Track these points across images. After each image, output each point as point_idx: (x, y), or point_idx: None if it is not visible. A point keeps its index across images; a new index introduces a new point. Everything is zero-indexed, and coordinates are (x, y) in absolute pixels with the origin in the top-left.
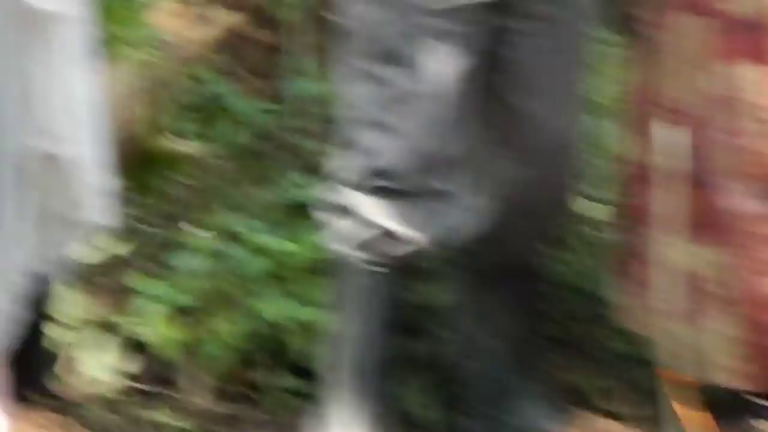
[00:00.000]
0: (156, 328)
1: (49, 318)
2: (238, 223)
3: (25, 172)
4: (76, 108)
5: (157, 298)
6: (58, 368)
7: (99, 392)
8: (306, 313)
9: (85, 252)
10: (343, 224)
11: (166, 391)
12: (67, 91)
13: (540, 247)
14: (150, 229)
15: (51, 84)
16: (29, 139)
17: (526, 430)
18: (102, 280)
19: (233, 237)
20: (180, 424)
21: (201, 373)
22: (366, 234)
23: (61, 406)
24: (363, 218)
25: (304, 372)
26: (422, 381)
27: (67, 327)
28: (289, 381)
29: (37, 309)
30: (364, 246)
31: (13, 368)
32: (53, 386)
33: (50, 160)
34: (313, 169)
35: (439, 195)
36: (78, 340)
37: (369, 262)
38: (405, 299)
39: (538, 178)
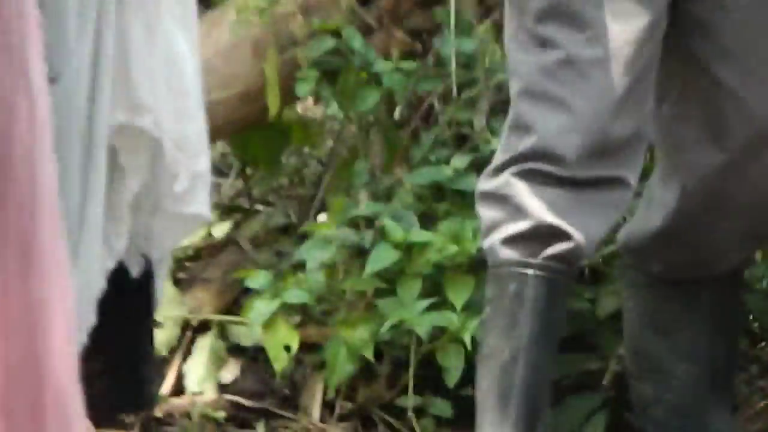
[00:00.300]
0: (267, 331)
1: (145, 324)
2: (369, 206)
3: (119, 155)
4: (182, 78)
5: (270, 296)
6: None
7: (198, 408)
8: (448, 320)
9: (188, 241)
10: (494, 214)
11: (274, 408)
12: (171, 56)
13: (743, 252)
14: (264, 211)
15: (152, 48)
16: (126, 116)
17: None
18: (206, 273)
19: (364, 224)
20: None
21: (317, 386)
22: (521, 227)
23: (154, 425)
24: (518, 208)
25: (443, 389)
26: (586, 406)
27: (163, 330)
28: (425, 400)
29: (132, 313)
30: (517, 242)
31: (101, 382)
32: (147, 402)
33: (150, 141)
34: (463, 145)
35: (612, 183)
36: (175, 346)
37: (523, 263)
38: (566, 308)
39: (741, 168)
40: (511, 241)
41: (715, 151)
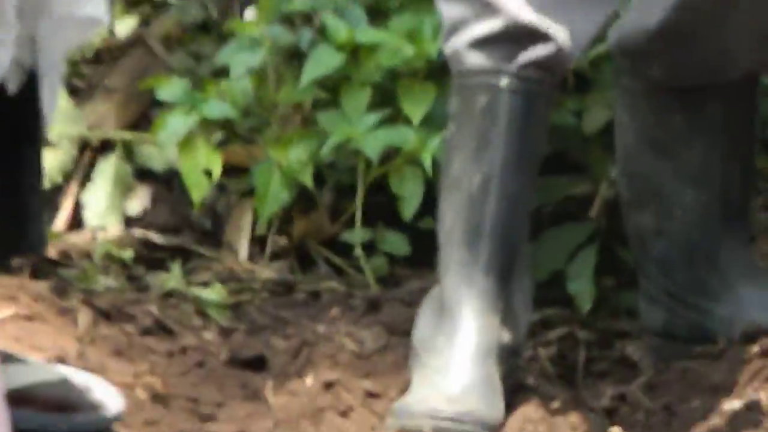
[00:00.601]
0: (183, 152)
1: (32, 146)
2: (301, 2)
3: None
4: None
5: (186, 109)
6: (47, 215)
7: (100, 246)
8: (403, 137)
9: (84, 44)
10: (459, 10)
11: (192, 245)
12: None
13: (760, 53)
14: (178, 3)
15: None
16: None
17: (734, 324)
18: (108, 80)
19: (301, 21)
20: (212, 295)
21: (244, 219)
22: (491, 27)
23: (52, 270)
24: (487, 2)
25: (397, 222)
26: (571, 240)
27: (56, 152)
28: (376, 234)
29: (15, 134)
30: (487, 45)
31: None
32: (35, 243)
33: None
34: None
35: None
36: (71, 170)
37: (495, 70)
38: (548, 124)
39: None
40: (479, 43)
41: None
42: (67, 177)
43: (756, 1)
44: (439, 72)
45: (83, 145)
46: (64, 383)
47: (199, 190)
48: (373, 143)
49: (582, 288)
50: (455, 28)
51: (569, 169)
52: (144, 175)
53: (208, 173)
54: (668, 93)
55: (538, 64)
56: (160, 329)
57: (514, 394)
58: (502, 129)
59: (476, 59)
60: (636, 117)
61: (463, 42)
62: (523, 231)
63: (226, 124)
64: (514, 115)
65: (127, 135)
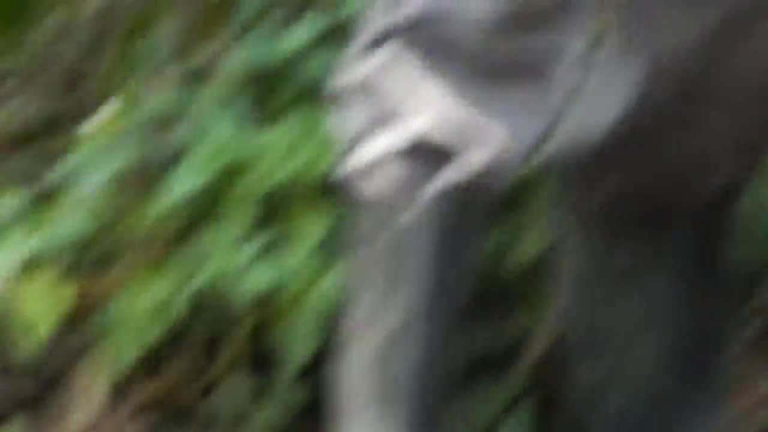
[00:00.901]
0: (16, 288)
1: None
2: (170, 99)
3: None
4: None
5: (21, 233)
6: None
7: None
8: (291, 270)
9: None
10: (360, 119)
11: (25, 410)
12: None
13: (735, 167)
14: (8, 102)
15: None
16: None
17: None
18: None
19: (165, 126)
20: None
21: (93, 373)
22: (404, 138)
23: None
24: (397, 106)
25: (283, 374)
26: (499, 397)
27: None
28: (256, 386)
29: None
30: (398, 162)
31: None
32: None
33: None
34: (308, 5)
35: (537, 67)
36: None
37: (407, 196)
38: (474, 257)
39: (722, 47)
40: (387, 161)
41: (691, 18)
42: None
43: (725, 104)
44: (335, 186)
45: None
46: None
47: (34, 336)
48: (252, 278)
49: None
50: (355, 141)
51: (497, 310)
52: None
53: (47, 316)
54: (622, 215)
55: (461, 187)
56: None
57: None
58: (417, 268)
59: (382, 183)
60: (580, 245)
61: (366, 160)
62: (445, 388)
63: (70, 253)
64: (431, 251)
65: None
